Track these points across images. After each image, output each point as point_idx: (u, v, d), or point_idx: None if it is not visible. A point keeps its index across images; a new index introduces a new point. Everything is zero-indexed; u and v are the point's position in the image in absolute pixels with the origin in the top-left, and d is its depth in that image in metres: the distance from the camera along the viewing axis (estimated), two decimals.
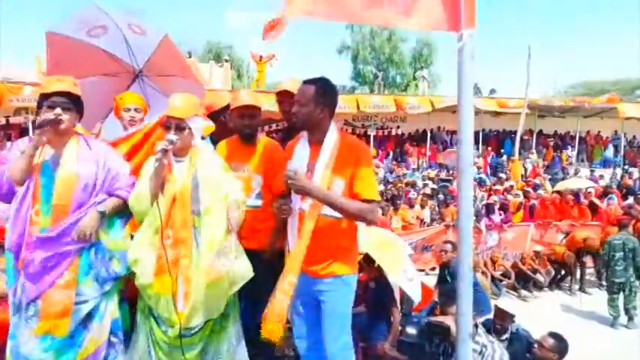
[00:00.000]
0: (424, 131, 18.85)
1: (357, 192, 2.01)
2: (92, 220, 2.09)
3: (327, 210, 1.99)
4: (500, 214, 9.18)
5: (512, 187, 10.99)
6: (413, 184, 11.49)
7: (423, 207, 9.23)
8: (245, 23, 61.71)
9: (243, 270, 2.18)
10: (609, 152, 21.32)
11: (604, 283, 7.63)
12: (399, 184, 11.11)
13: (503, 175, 13.45)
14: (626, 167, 17.07)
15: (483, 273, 7.74)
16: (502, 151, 18.93)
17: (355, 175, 2.02)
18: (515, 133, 16.20)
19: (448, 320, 2.06)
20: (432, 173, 14.03)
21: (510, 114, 17.80)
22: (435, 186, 11.43)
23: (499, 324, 3.69)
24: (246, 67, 33.28)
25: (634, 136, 23.42)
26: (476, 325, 2.34)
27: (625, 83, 42.73)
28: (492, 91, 22.23)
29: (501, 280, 7.77)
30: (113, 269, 2.14)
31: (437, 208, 9.19)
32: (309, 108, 2.05)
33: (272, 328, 2.02)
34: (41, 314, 2.00)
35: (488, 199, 9.73)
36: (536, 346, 3.30)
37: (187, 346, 2.13)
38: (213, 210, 2.13)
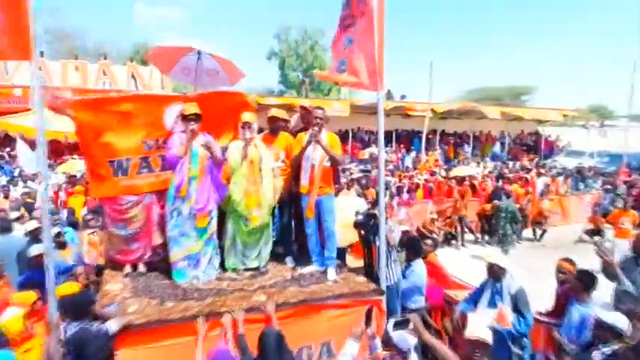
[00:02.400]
0: (346, 131, 21.60)
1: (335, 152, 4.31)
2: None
3: (325, 162, 4.31)
4: (407, 194, 12.09)
5: (414, 175, 14.02)
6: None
7: (349, 189, 11.80)
8: (151, 19, 60.74)
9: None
10: (497, 148, 25.70)
11: (479, 239, 10.85)
12: None
13: (410, 166, 16.58)
14: (504, 160, 21.11)
15: None
16: (412, 148, 22.19)
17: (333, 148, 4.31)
18: (422, 132, 19.43)
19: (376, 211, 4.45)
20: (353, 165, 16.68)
21: (418, 116, 20.89)
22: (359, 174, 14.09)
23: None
24: None
25: (517, 135, 28.22)
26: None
27: (514, 89, 49.05)
28: (403, 96, 25.73)
29: None
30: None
31: (361, 190, 11.82)
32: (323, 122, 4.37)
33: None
34: (195, 217, 4.17)
35: (399, 182, 12.61)
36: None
37: (257, 232, 4.40)
38: (267, 167, 4.39)
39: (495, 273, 4.14)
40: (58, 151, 16.42)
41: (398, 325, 2.72)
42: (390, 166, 16.02)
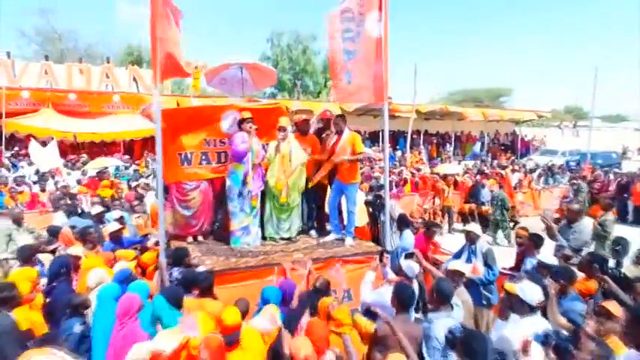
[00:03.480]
0: None
1: (357, 149, 5.62)
2: None
3: (345, 157, 5.65)
4: (396, 188, 13.54)
5: (402, 170, 15.50)
6: None
7: None
8: (135, 17, 60.43)
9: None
10: (477, 148, 27.37)
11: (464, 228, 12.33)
12: None
13: (397, 163, 18.10)
14: (483, 159, 22.74)
15: None
16: (397, 147, 23.66)
17: (355, 145, 5.63)
18: (407, 132, 20.85)
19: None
20: None
21: (402, 117, 22.15)
22: None
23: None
24: None
25: (495, 135, 30.00)
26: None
27: (493, 91, 51.05)
28: (388, 98, 27.17)
29: None
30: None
31: None
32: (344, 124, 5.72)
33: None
34: (251, 197, 5.49)
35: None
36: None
37: (289, 210, 5.72)
38: (296, 161, 5.71)
39: (471, 238, 5.55)
40: (62, 150, 17.42)
41: (407, 257, 4.10)
42: (380, 164, 17.51)
